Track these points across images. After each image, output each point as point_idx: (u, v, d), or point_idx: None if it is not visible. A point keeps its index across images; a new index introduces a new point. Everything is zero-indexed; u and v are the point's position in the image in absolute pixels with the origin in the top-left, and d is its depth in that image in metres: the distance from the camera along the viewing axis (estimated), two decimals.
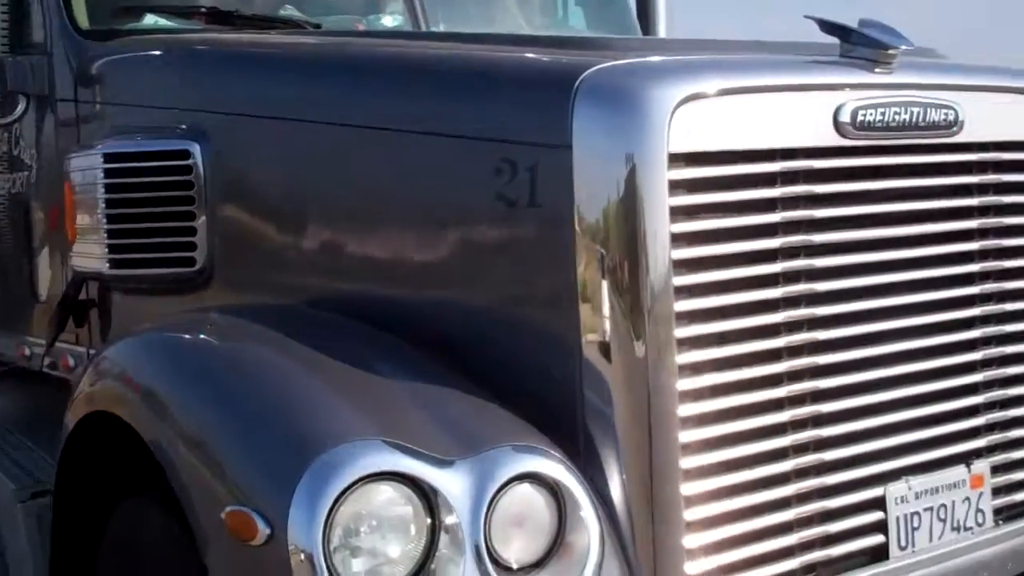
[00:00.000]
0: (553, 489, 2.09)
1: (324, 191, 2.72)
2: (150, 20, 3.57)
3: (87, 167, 3.05)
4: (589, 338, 2.16)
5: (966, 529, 2.49)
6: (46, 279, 3.69)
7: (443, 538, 2.02)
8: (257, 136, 2.86)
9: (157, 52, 3.25)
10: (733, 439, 2.23)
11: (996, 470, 2.56)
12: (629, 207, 2.13)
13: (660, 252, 2.13)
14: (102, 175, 2.99)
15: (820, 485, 2.32)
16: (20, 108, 3.54)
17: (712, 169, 2.19)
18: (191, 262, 2.91)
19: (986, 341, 2.55)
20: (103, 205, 2.99)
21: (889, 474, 2.40)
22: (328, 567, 1.95)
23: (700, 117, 2.17)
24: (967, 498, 2.50)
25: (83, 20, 3.39)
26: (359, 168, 2.61)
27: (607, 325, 2.15)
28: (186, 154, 2.88)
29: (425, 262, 2.47)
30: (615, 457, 2.16)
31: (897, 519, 2.40)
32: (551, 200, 2.21)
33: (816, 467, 2.32)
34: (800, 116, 2.31)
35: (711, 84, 2.20)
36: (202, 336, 2.51)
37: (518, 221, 2.27)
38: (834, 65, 2.40)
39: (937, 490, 2.46)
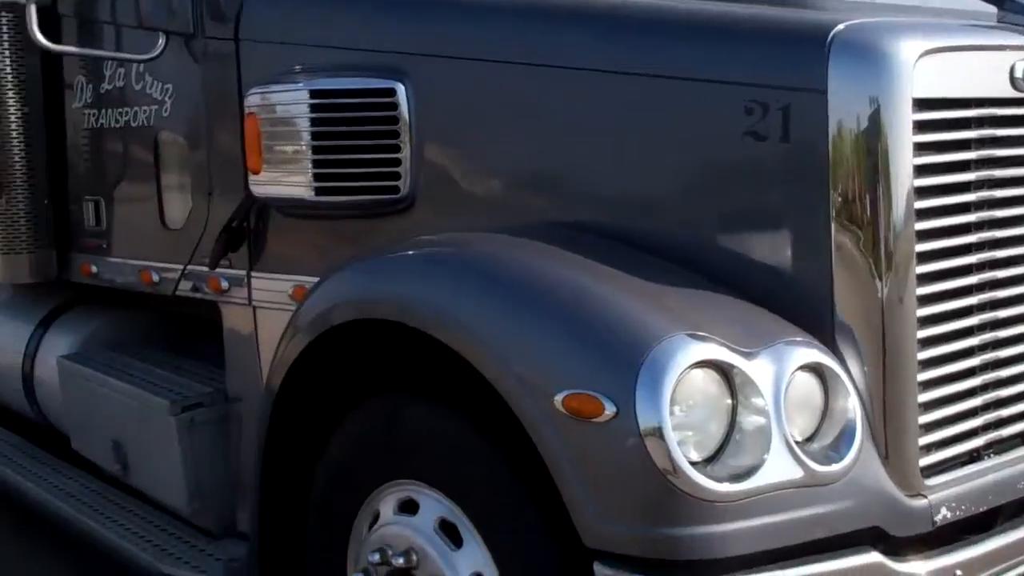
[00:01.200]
0: (823, 376, 2.52)
1: (543, 131, 3.02)
2: None
3: (286, 102, 3.28)
4: (840, 253, 2.59)
5: None
6: (183, 208, 3.87)
7: (747, 418, 2.42)
8: (461, 76, 3.15)
9: None
10: (940, 338, 2.69)
11: None
12: (877, 141, 2.56)
13: (904, 179, 2.58)
14: (307, 109, 3.23)
15: (996, 378, 2.82)
16: (161, 44, 3.70)
17: (936, 113, 2.65)
18: (395, 190, 3.19)
19: None
20: (308, 137, 3.23)
21: None
22: (669, 439, 2.33)
23: (930, 68, 2.62)
24: None
25: None
26: (587, 109, 2.94)
27: (857, 242, 2.58)
28: (392, 92, 3.16)
29: (670, 191, 2.84)
30: (859, 355, 2.60)
31: None
32: (805, 136, 2.61)
33: (993, 363, 2.81)
34: (987, 72, 2.78)
35: (937, 41, 2.65)
36: (481, 247, 2.82)
37: (771, 155, 2.67)
38: (1003, 30, 2.88)
39: None
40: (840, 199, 2.58)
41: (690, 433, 2.38)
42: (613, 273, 2.61)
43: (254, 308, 3.66)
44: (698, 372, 2.39)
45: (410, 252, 2.97)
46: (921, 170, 2.61)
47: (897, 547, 2.57)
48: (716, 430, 2.41)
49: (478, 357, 2.57)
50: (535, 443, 2.48)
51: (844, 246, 2.59)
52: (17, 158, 4.35)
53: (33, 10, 3.64)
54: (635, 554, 2.39)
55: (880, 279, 2.58)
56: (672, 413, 2.34)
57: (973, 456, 2.79)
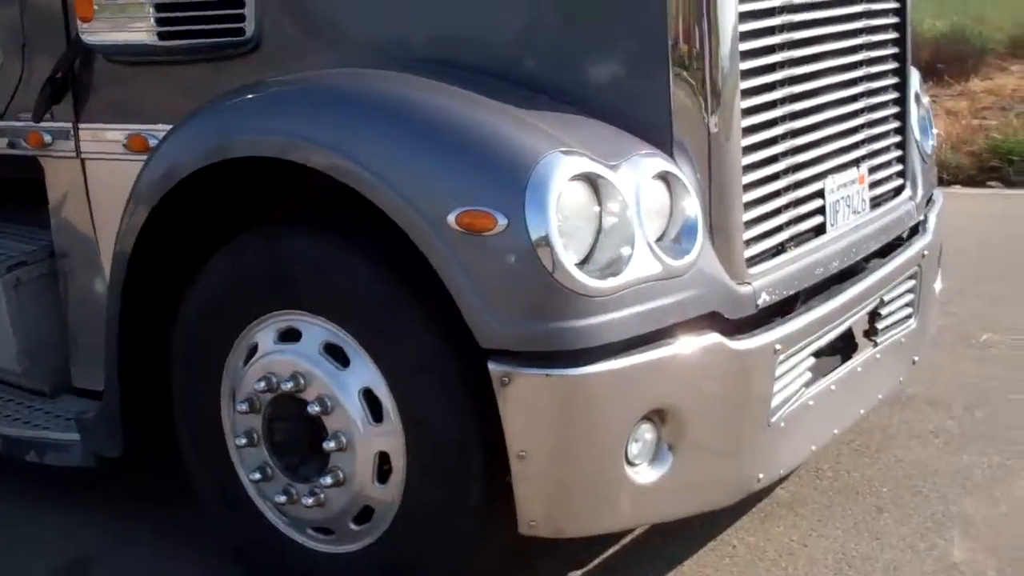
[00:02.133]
0: (669, 183, 2.86)
1: None
2: None
3: None
4: (677, 71, 2.91)
5: (858, 212, 3.55)
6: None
7: (612, 221, 2.74)
8: None
9: None
10: (756, 157, 3.09)
11: (869, 171, 3.62)
12: None
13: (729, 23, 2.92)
14: None
15: (794, 180, 3.26)
16: None
17: None
18: (240, 32, 3.26)
19: (865, 94, 3.55)
20: None
21: (824, 174, 3.38)
22: (555, 244, 2.62)
23: None
24: (858, 191, 3.55)
25: None
26: None
27: (690, 65, 2.91)
28: None
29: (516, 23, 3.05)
30: (693, 165, 2.95)
31: (829, 205, 3.39)
32: None
33: (793, 173, 3.25)
34: None
35: None
36: (356, 81, 2.96)
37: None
38: None
39: (845, 185, 3.48)
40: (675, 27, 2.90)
41: (568, 238, 2.67)
42: (485, 100, 2.83)
43: (82, 160, 3.64)
44: (574, 184, 2.68)
45: (278, 89, 3.08)
46: (743, 16, 2.95)
47: (729, 330, 2.99)
48: (588, 234, 2.72)
49: (367, 185, 2.75)
50: (429, 259, 2.70)
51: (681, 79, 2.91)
52: None
53: None
54: (525, 349, 2.68)
55: (709, 112, 2.92)
56: (556, 220, 2.62)
57: (778, 250, 3.23)
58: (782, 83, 3.14)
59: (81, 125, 3.60)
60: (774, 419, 3.06)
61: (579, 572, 3.37)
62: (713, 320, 2.93)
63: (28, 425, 3.81)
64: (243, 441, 3.15)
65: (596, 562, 3.40)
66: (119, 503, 3.90)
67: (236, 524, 3.29)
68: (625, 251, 2.74)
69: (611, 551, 3.43)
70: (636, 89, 2.96)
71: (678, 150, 2.94)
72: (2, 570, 3.56)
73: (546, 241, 2.62)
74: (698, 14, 2.88)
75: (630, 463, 2.79)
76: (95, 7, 3.34)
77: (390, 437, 2.91)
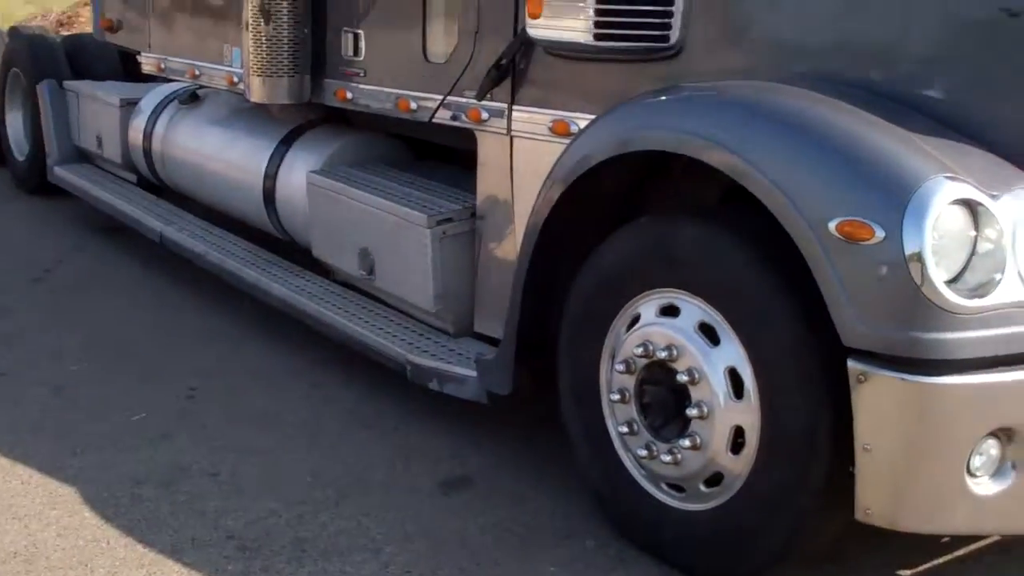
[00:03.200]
0: None
1: None
2: None
3: None
4: None
5: None
6: (447, 44, 4.39)
7: (987, 247, 2.92)
8: None
9: None
10: None
11: None
12: None
13: None
14: None
15: None
16: None
17: None
18: (666, 38, 3.66)
19: None
20: None
21: None
22: (927, 260, 2.85)
23: None
24: None
25: None
26: None
27: None
28: None
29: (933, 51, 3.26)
30: None
31: None
32: None
33: None
34: None
35: None
36: (758, 92, 3.31)
37: None
38: None
39: None
40: None
41: (941, 257, 2.88)
42: (878, 120, 3.09)
43: (511, 137, 4.19)
44: (954, 207, 2.89)
45: (690, 94, 3.47)
46: None
47: None
48: (961, 256, 2.92)
49: (759, 185, 3.08)
50: (806, 259, 3.00)
51: None
52: None
53: None
54: (886, 352, 2.92)
55: None
56: (931, 239, 2.85)
57: None
58: None
59: (515, 107, 4.15)
60: None
61: (908, 573, 3.54)
62: None
63: (435, 358, 4.42)
64: (616, 397, 3.57)
65: (923, 567, 3.56)
66: (500, 433, 4.44)
67: (598, 468, 3.72)
68: (996, 276, 2.92)
69: (941, 560, 3.58)
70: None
71: None
72: (398, 476, 4.18)
73: (919, 257, 2.85)
74: None
75: (971, 474, 2.97)
76: (543, 6, 3.84)
77: (747, 414, 3.23)
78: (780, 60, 3.49)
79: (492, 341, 4.30)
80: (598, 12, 3.74)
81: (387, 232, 4.65)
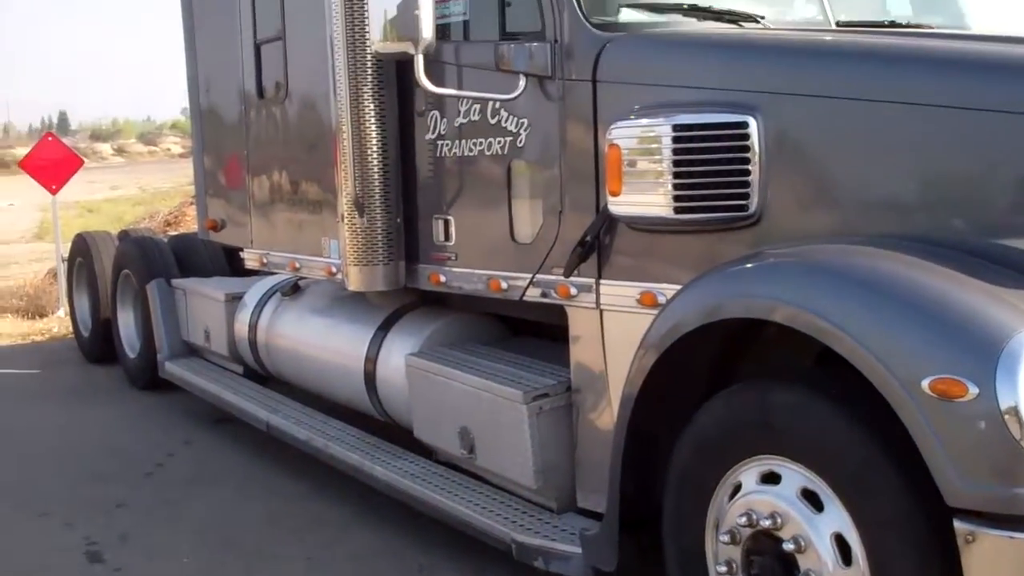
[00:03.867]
0: None
1: (872, 157, 3.52)
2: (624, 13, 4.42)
3: (650, 135, 3.89)
4: None
5: None
6: (533, 225, 4.53)
7: None
8: (805, 110, 3.68)
9: (690, 41, 4.09)
10: None
11: None
12: None
13: None
14: (670, 141, 3.83)
15: None
16: (521, 86, 4.38)
17: None
18: (744, 208, 3.75)
19: None
20: (670, 164, 3.83)
21: None
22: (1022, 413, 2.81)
23: None
24: None
25: (592, 13, 4.25)
26: (917, 138, 3.44)
27: None
28: (744, 124, 3.72)
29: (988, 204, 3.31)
30: None
31: None
32: None
33: None
34: None
35: None
36: (839, 255, 3.36)
37: None
38: None
39: None
40: None
41: None
42: (962, 276, 3.10)
43: (601, 311, 4.27)
44: None
45: (773, 260, 3.52)
46: None
47: None
48: None
49: (847, 347, 3.09)
50: (902, 419, 2.98)
51: None
52: (377, 183, 5.11)
53: (421, 60, 4.35)
54: (991, 511, 2.86)
55: None
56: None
57: None
58: None
59: (602, 281, 4.24)
60: None
61: None
62: None
63: (538, 535, 4.42)
64: (723, 569, 3.53)
65: None
66: None
67: None
68: None
69: None
70: None
71: None
72: None
73: (1015, 411, 2.82)
74: None
75: None
76: (623, 184, 3.97)
77: None
78: (856, 219, 3.54)
79: (596, 516, 4.29)
80: (676, 187, 3.84)
81: (485, 410, 4.72)
